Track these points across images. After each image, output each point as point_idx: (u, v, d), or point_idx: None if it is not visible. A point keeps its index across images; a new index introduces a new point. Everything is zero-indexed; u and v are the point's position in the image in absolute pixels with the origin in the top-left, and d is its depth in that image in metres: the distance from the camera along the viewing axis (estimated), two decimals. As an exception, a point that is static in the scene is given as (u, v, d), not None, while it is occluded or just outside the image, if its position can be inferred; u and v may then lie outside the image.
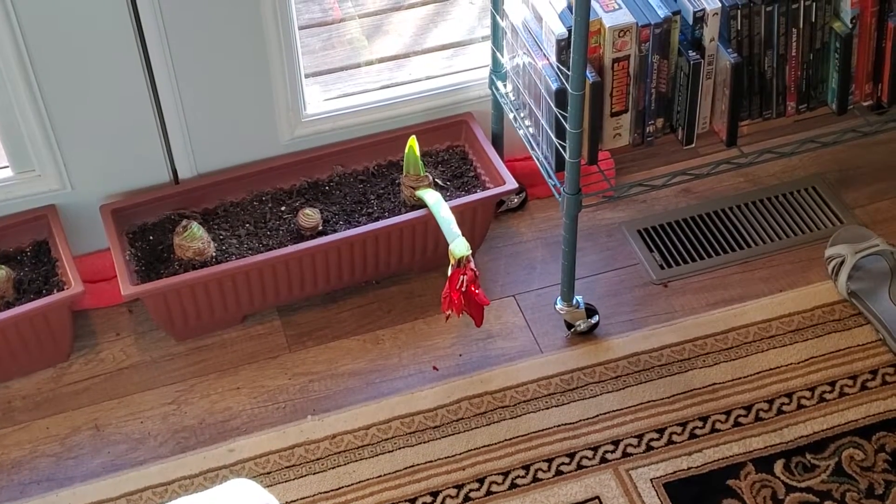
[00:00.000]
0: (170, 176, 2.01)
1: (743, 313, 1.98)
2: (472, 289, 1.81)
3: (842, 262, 1.99)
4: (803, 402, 1.85)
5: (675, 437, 1.81)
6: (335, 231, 1.96)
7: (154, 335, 1.98)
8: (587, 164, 1.83)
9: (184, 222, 1.90)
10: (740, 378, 1.89)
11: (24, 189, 1.95)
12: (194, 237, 1.89)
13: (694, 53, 1.79)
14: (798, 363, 1.90)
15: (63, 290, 1.87)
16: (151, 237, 1.97)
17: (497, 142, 2.11)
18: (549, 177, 1.87)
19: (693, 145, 1.88)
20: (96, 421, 1.87)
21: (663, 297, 2.02)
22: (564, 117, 1.75)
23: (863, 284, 1.97)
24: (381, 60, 2.22)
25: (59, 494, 1.77)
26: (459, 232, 1.85)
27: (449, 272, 1.82)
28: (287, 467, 1.80)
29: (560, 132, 1.79)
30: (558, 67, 1.76)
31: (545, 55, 1.81)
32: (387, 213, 1.99)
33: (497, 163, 2.02)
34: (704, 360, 1.91)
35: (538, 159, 1.91)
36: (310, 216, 1.95)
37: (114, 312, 2.01)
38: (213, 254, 1.93)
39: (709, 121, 1.88)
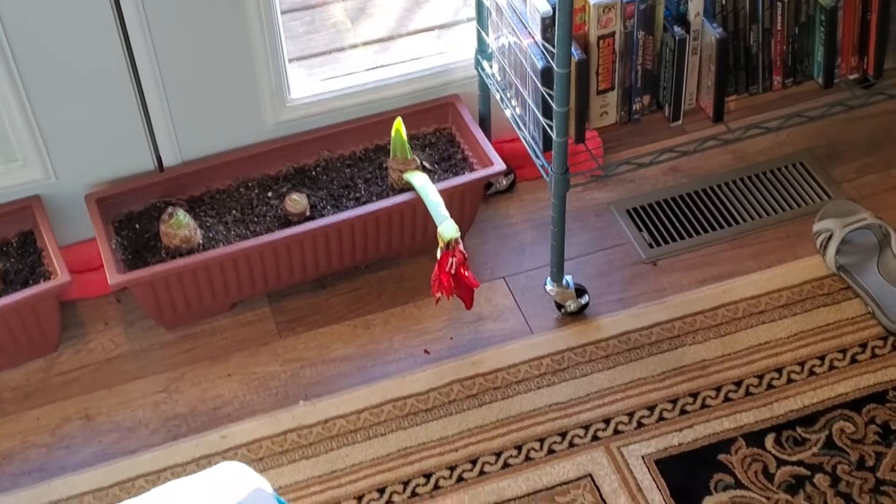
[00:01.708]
0: (154, 164, 2.00)
1: (732, 290, 1.99)
2: (462, 271, 1.82)
3: (830, 237, 2.00)
4: (793, 376, 1.86)
5: (665, 414, 1.83)
6: (323, 216, 1.96)
7: (143, 324, 1.98)
8: (574, 142, 1.83)
9: (170, 210, 1.90)
10: (730, 354, 1.90)
11: (8, 180, 1.95)
12: (181, 224, 1.89)
13: (679, 29, 1.79)
14: (787, 338, 1.92)
15: (50, 280, 1.87)
16: (137, 225, 1.97)
17: (484, 123, 2.12)
18: (537, 157, 1.88)
19: (680, 122, 1.89)
20: (87, 410, 1.87)
21: (652, 276, 2.03)
22: (551, 96, 1.75)
23: (851, 258, 1.98)
24: (366, 44, 2.22)
25: (51, 484, 1.78)
26: (448, 214, 1.85)
27: (438, 255, 1.83)
28: (280, 453, 1.80)
29: (547, 111, 1.80)
30: (543, 46, 1.77)
31: (530, 34, 1.81)
32: (374, 198, 1.99)
33: (485, 144, 2.02)
34: (694, 337, 1.93)
35: (525, 140, 1.91)
36: (297, 202, 1.95)
37: (101, 302, 2.01)
38: (201, 241, 1.93)
39: (695, 97, 1.89)
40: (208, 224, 1.96)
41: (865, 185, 2.15)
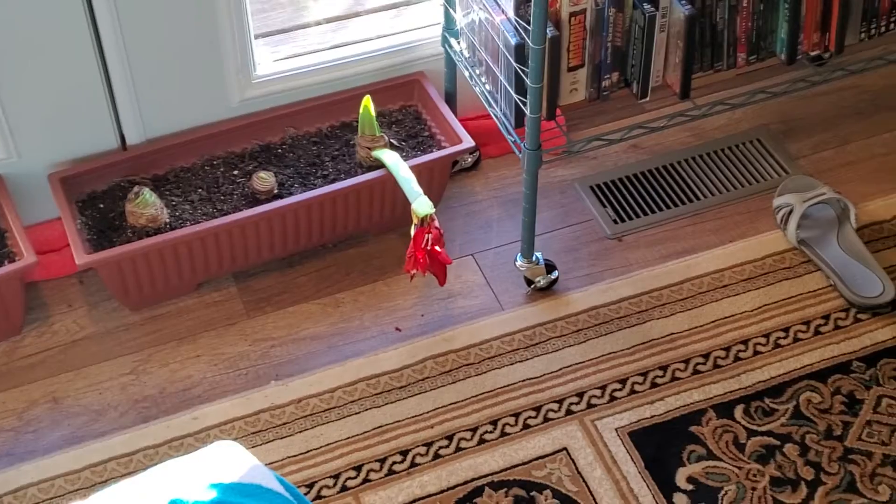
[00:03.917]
0: (118, 142, 1.97)
1: (696, 264, 2.02)
2: (436, 248, 1.82)
3: (790, 212, 2.04)
4: (759, 348, 1.90)
5: (637, 388, 1.85)
6: (290, 194, 1.95)
7: (107, 305, 1.95)
8: (546, 119, 1.84)
9: (135, 189, 1.88)
10: (697, 327, 1.93)
11: (-34, 159, 1.90)
12: (147, 204, 1.87)
13: (649, 6, 1.81)
14: (752, 311, 1.95)
15: (15, 261, 1.82)
16: (102, 205, 1.93)
17: (450, 100, 2.11)
18: (509, 133, 1.88)
19: (647, 99, 1.91)
20: (53, 394, 1.84)
21: (618, 251, 2.06)
22: (525, 72, 1.76)
23: (811, 233, 2.03)
24: (329, 21, 2.20)
25: (20, 469, 1.74)
26: (421, 191, 1.85)
27: (412, 231, 1.83)
28: (253, 433, 1.79)
29: (520, 88, 1.80)
30: (517, 22, 1.77)
31: (502, 10, 1.81)
32: (342, 175, 1.98)
33: (452, 122, 2.02)
34: (661, 311, 1.95)
35: (496, 116, 1.92)
36: (264, 179, 1.94)
37: (64, 284, 1.97)
38: (167, 220, 1.90)
39: (661, 74, 1.91)
40: (174, 203, 1.94)
41: (821, 161, 2.19)
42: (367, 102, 1.92)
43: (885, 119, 2.26)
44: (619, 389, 1.85)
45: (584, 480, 1.74)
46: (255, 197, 1.95)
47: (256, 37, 2.03)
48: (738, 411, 1.82)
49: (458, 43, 2.02)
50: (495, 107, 1.92)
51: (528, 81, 1.75)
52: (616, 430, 1.80)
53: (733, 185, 2.16)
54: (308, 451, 1.77)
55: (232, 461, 1.22)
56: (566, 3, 1.77)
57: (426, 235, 1.81)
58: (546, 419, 1.81)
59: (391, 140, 2.02)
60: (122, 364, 1.88)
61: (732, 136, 2.24)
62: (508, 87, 1.84)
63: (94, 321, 1.93)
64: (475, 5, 1.90)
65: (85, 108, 1.91)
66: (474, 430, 1.80)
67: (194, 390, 1.85)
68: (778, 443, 1.78)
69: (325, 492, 1.73)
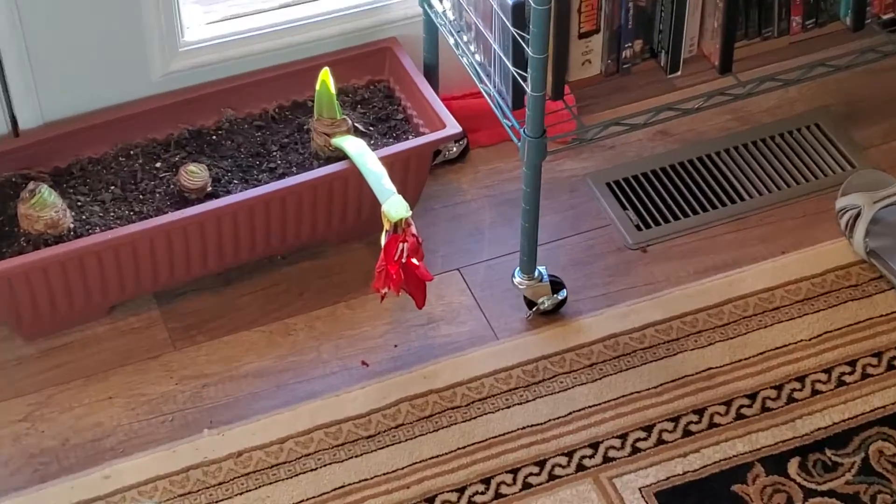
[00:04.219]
0: (8, 126, 1.97)
1: (740, 281, 2.02)
2: (413, 260, 1.82)
3: (857, 215, 2.05)
4: (818, 386, 1.90)
5: (665, 436, 1.85)
6: (228, 192, 1.95)
7: (-5, 334, 1.95)
8: (551, 98, 1.85)
9: (30, 185, 1.87)
10: (741, 361, 1.93)
11: None
12: (45, 204, 1.86)
13: (681, -43, 1.82)
14: (809, 340, 1.96)
15: None
16: (-12, 206, 1.93)
17: (430, 74, 2.12)
18: (505, 116, 1.89)
19: (679, 73, 1.92)
20: (-74, 447, 1.83)
21: (642, 265, 2.06)
22: (525, 40, 1.76)
23: (884, 241, 2.03)
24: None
25: None
26: (394, 189, 1.85)
27: (383, 240, 1.83)
28: (181, 495, 1.79)
29: (518, 59, 1.80)
30: (515, -24, 1.77)
31: (497, -39, 1.81)
32: (294, 169, 1.98)
33: (433, 101, 2.02)
34: (696, 341, 1.96)
35: (489, 94, 1.92)
36: (195, 174, 1.94)
37: (-61, 306, 1.96)
38: (71, 225, 1.90)
39: (697, 42, 1.92)
40: (80, 204, 1.94)
41: (895, 151, 2.20)
42: (326, 77, 1.92)
43: (974, 100, 2.28)
44: (644, 439, 1.85)
45: (600, 555, 1.74)
46: (182, 196, 1.94)
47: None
48: (793, 466, 1.82)
49: (441, 2, 2.02)
50: (487, 83, 1.92)
51: (528, 51, 1.74)
52: (640, 489, 1.80)
53: (786, 182, 2.17)
54: (251, 519, 1.77)
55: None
56: (577, -47, 1.77)
57: (400, 245, 1.80)
58: (552, 476, 1.81)
59: (356, 124, 2.01)
60: (13, 408, 1.87)
61: (784, 121, 2.25)
62: (504, 58, 1.84)
63: (-22, 354, 1.93)
64: (462, -45, 1.90)
65: (-33, 84, 1.92)
66: (461, 490, 1.80)
67: (106, 441, 1.84)
68: (843, 506, 1.79)
69: (272, 570, 1.74)
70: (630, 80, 2.04)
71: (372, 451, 1.83)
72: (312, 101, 1.99)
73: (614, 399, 1.89)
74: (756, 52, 2.05)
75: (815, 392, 1.90)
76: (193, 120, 2.04)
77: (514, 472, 1.81)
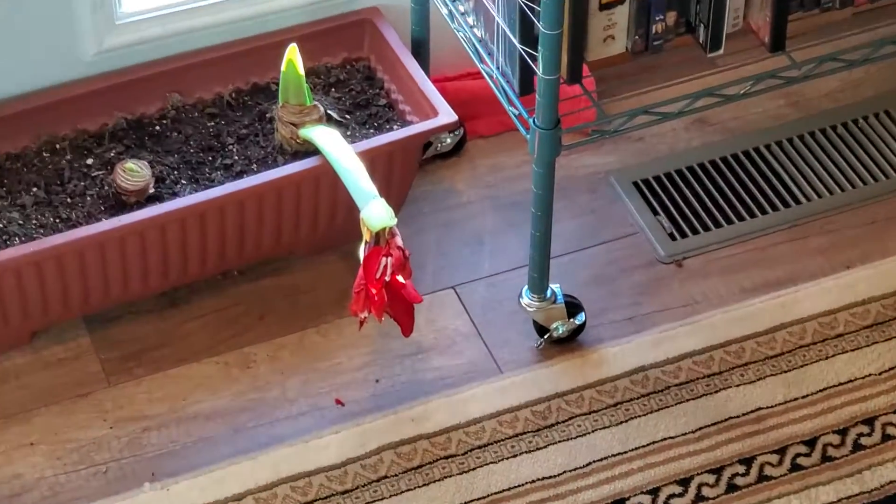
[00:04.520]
0: None
1: (795, 303, 2.04)
2: (398, 277, 1.83)
3: (937, 223, 2.08)
4: (890, 430, 1.92)
5: (705, 491, 1.86)
6: (175, 195, 1.96)
7: None
8: (567, 82, 1.86)
9: (-66, 187, 1.89)
10: (796, 399, 1.95)
11: None
12: (-48, 210, 1.89)
13: (723, -88, 1.85)
14: (879, 374, 1.98)
15: None
16: None
17: (420, 51, 2.13)
18: (510, 103, 1.90)
19: (721, 51, 1.93)
20: None
21: (677, 282, 2.08)
22: (535, 11, 1.77)
23: (969, 254, 2.06)
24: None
25: None
26: (375, 190, 1.86)
27: (362, 253, 1.84)
28: (118, 563, 1.81)
29: (527, 34, 1.82)
30: (523, -65, 1.80)
31: (501, -83, 1.84)
32: (254, 166, 1.99)
33: (422, 83, 2.04)
34: (743, 375, 1.97)
35: (491, 76, 1.93)
36: (134, 172, 1.95)
37: None
38: (-16, 235, 1.91)
39: (742, 14, 1.93)
40: (-6, 209, 1.95)
41: (983, 146, 2.24)
42: (293, 56, 1.93)
43: None
44: (679, 495, 1.86)
45: None
46: (119, 199, 1.95)
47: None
48: (860, 527, 1.85)
49: (433, -36, 2.05)
50: (489, 63, 1.93)
51: (539, 25, 1.75)
52: (674, 556, 1.83)
53: (851, 182, 2.19)
54: (202, 592, 1.80)
55: None
56: None
57: (383, 260, 1.82)
58: (567, 540, 1.84)
59: (329, 112, 2.03)
60: (-87, 457, 1.88)
61: (848, 108, 2.27)
62: (510, 34, 1.85)
63: None
64: None
65: None
66: (458, 557, 1.83)
67: (26, 497, 1.85)
68: (919, 575, 1.82)
69: None
70: (662, 59, 2.05)
71: (349, 510, 1.84)
72: (276, 85, 2.00)
73: (643, 446, 1.90)
74: (814, 25, 2.06)
75: (885, 437, 1.91)
76: (133, 107, 2.04)
77: (522, 534, 1.84)
